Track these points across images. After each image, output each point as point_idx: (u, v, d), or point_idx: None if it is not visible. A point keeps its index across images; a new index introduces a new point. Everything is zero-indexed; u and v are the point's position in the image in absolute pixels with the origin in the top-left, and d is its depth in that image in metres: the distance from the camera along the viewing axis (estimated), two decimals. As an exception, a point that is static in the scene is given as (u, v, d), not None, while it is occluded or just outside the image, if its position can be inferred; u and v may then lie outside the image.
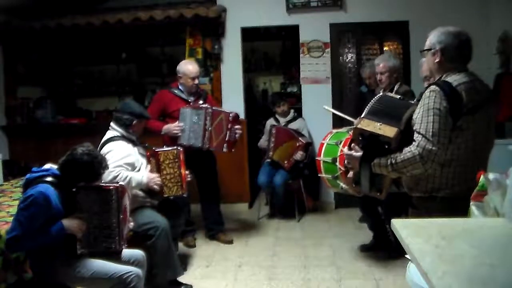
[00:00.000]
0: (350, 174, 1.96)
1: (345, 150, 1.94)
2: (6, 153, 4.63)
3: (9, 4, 4.52)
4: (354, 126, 1.87)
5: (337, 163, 2.64)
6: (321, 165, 2.73)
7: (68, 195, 2.13)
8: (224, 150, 3.42)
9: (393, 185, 2.13)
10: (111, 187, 2.23)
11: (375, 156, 1.81)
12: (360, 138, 1.86)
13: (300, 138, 4.18)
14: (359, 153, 1.86)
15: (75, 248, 2.14)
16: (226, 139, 3.39)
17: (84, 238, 2.16)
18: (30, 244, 2.01)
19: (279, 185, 4.15)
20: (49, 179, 2.08)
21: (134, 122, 2.86)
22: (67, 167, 2.14)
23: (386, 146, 1.77)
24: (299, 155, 4.14)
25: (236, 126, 3.43)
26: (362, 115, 1.86)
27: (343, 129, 2.93)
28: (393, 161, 1.75)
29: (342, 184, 2.65)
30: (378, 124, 1.77)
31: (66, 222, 2.06)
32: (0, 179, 3.39)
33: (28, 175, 2.15)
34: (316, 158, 2.78)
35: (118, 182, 2.34)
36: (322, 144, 2.78)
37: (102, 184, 2.27)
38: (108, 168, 2.32)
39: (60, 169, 2.16)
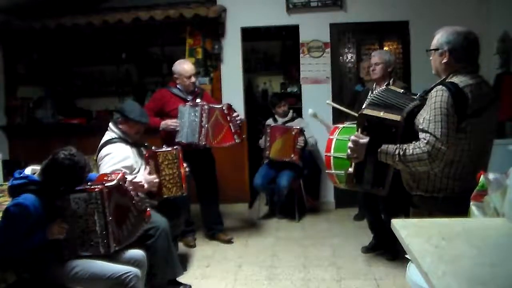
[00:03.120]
0: (351, 169, 1.92)
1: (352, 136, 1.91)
2: (6, 153, 4.62)
3: (9, 4, 4.52)
4: (360, 112, 1.84)
5: None
6: (331, 161, 2.67)
7: (51, 200, 2.11)
8: (237, 140, 3.47)
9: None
10: (96, 190, 2.16)
11: (381, 144, 1.79)
12: (366, 124, 1.82)
13: (292, 127, 4.16)
14: (366, 139, 1.81)
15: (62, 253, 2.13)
16: (233, 130, 3.43)
17: (71, 243, 2.14)
18: (14, 250, 2.01)
19: (284, 186, 4.14)
20: (31, 187, 2.07)
21: (119, 119, 2.82)
22: (49, 172, 2.12)
23: (394, 130, 1.74)
24: (301, 141, 4.09)
25: (234, 114, 3.48)
26: (364, 106, 1.85)
27: (350, 124, 2.87)
28: (401, 152, 1.73)
29: None
30: (381, 112, 1.77)
31: (48, 228, 2.05)
32: (0, 179, 3.39)
33: (10, 182, 2.14)
34: (325, 154, 2.73)
35: (104, 184, 2.24)
36: (330, 140, 2.71)
37: (87, 187, 2.20)
38: (91, 171, 2.30)
39: (41, 174, 2.13)
